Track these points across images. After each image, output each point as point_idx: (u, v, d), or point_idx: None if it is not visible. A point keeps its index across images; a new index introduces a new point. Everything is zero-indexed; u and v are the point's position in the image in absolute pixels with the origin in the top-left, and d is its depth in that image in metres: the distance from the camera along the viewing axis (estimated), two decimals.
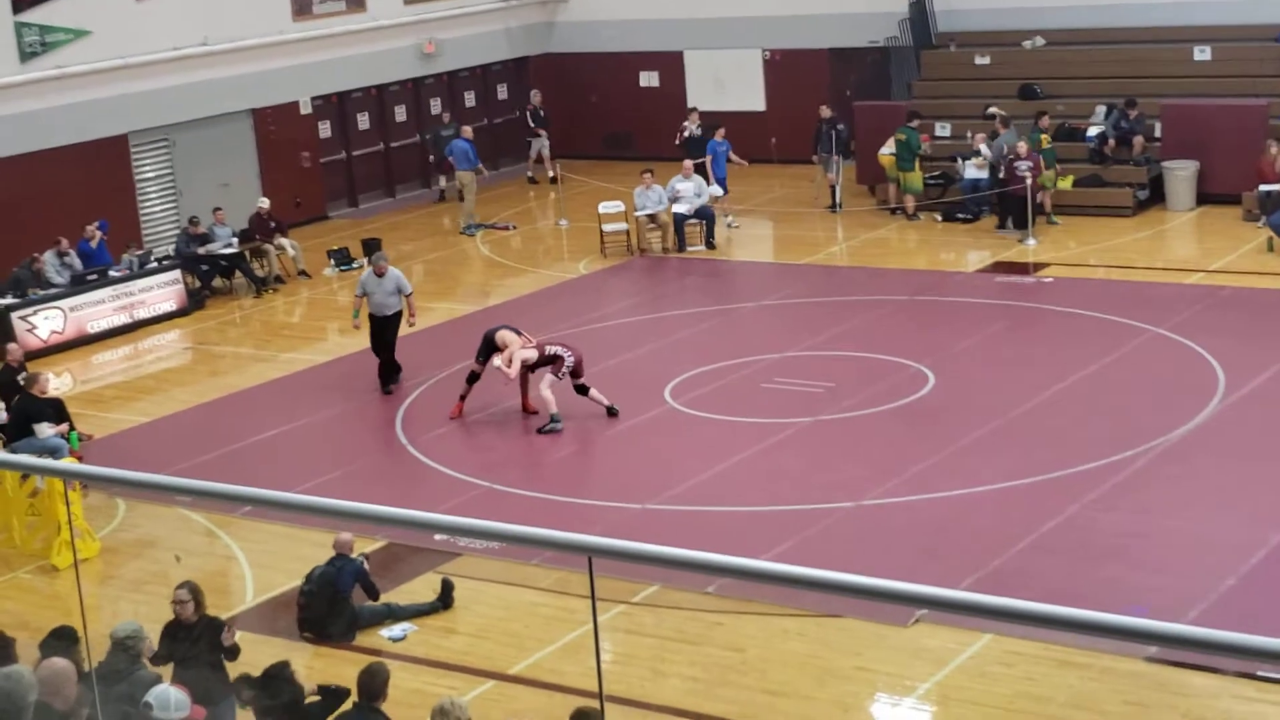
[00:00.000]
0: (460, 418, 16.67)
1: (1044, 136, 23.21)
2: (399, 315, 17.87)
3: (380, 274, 17.81)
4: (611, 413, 16.36)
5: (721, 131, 25.02)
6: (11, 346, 17.18)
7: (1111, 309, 18.76)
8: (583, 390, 16.31)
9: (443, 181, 27.48)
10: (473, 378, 16.69)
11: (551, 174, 28.19)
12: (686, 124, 26.17)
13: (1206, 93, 24.00)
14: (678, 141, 25.84)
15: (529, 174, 29.39)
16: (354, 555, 12.33)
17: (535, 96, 29.80)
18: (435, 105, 29.99)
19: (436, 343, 19.76)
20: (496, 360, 16.34)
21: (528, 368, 16.32)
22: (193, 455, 15.95)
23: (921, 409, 16.13)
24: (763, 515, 13.69)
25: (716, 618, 11.91)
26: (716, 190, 24.51)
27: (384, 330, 17.86)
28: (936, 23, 27.38)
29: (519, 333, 16.64)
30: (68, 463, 10.80)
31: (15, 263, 21.16)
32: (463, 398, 16.76)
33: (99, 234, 22.12)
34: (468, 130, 26.94)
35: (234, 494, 4.39)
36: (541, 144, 29.37)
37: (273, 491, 4.39)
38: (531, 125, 29.57)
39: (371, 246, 24.20)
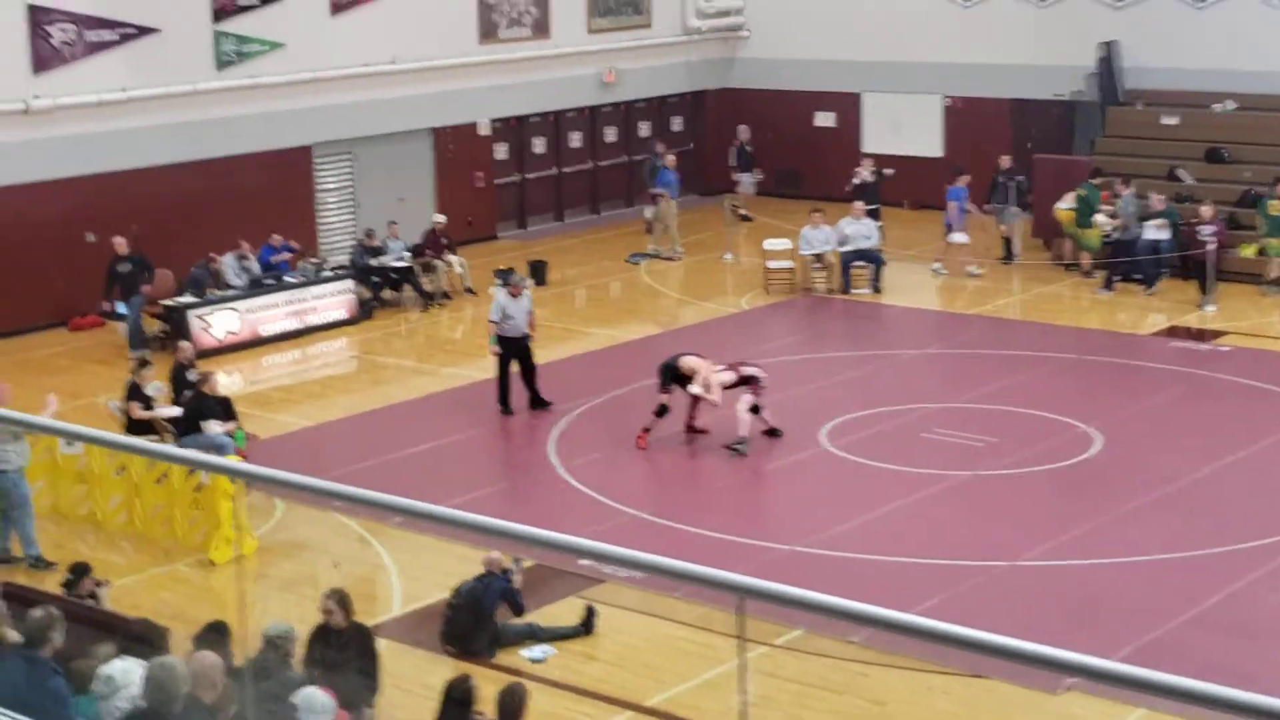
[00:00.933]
0: (645, 449, 16.62)
1: (1274, 202, 22.40)
2: (527, 337, 17.94)
3: (516, 295, 17.88)
4: (774, 434, 16.49)
5: (965, 178, 24.64)
6: (183, 345, 17.64)
7: None
8: (755, 409, 16.41)
9: (648, 211, 27.38)
10: (662, 411, 16.56)
11: (743, 212, 27.96)
12: (859, 169, 26.01)
13: None
14: (848, 188, 25.68)
15: (737, 209, 28.64)
16: (509, 563, 12.39)
17: (744, 132, 29.50)
18: (610, 133, 30.20)
19: (596, 368, 19.85)
20: (694, 387, 16.39)
21: (726, 388, 16.46)
22: (351, 462, 16.19)
23: (1085, 471, 15.75)
24: (913, 567, 13.46)
25: (860, 668, 11.72)
26: (960, 238, 24.23)
27: (522, 352, 17.88)
28: (1124, 79, 26.87)
29: (701, 357, 16.68)
30: (231, 460, 11.07)
31: (195, 263, 21.74)
32: (647, 429, 16.66)
33: (285, 254, 22.53)
34: (671, 159, 27.02)
35: (386, 503, 4.41)
36: (750, 180, 29.12)
37: (422, 503, 4.41)
38: (735, 164, 29.27)
39: (538, 268, 24.49)
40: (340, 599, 10.20)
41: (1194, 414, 17.68)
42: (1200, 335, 20.63)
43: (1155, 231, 23.22)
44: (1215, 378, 18.79)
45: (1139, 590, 12.93)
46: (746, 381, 16.45)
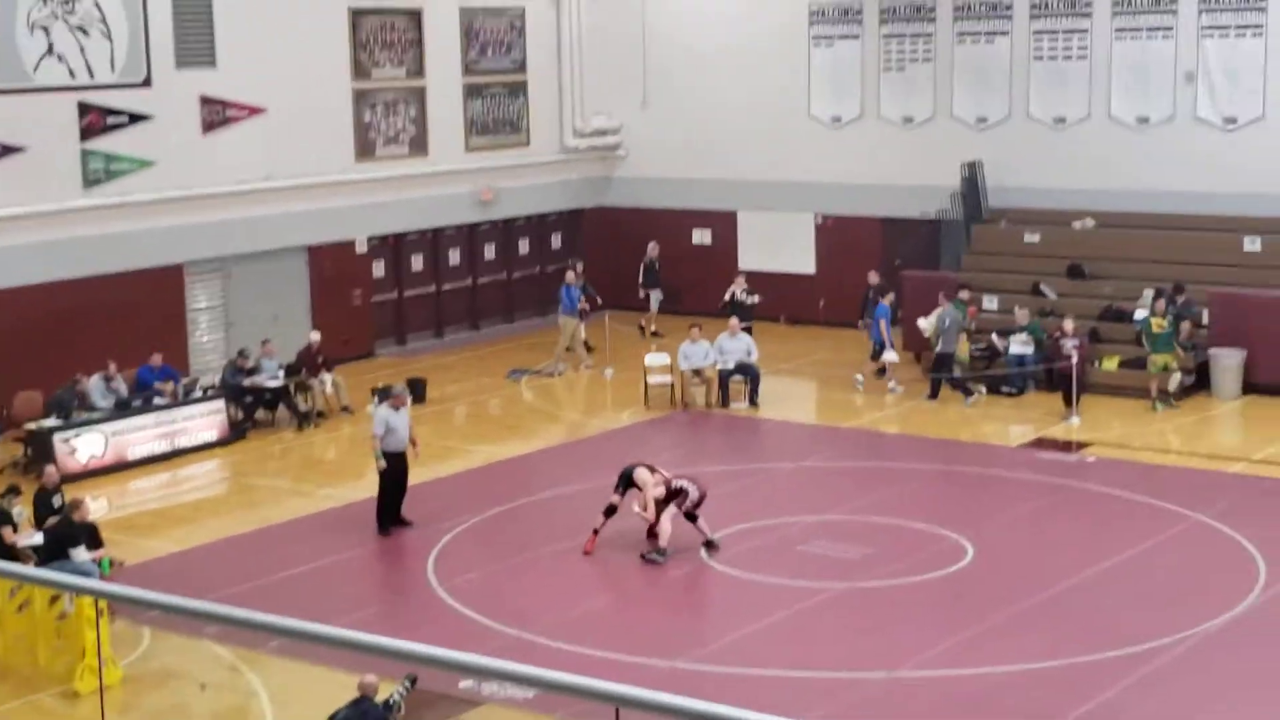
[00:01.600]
0: (592, 553, 16.73)
1: (1155, 320, 22.89)
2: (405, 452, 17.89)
3: (398, 407, 17.73)
4: (710, 546, 16.61)
5: (890, 296, 24.84)
6: (49, 469, 17.28)
7: (1153, 493, 18.60)
8: (691, 518, 16.67)
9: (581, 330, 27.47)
10: (610, 511, 16.84)
11: (654, 329, 28.12)
12: (733, 287, 26.45)
13: (1256, 283, 24.03)
14: (721, 304, 26.11)
15: (646, 326, 28.82)
16: (403, 679, 12.19)
17: (652, 249, 29.63)
18: (490, 250, 30.35)
19: (474, 486, 19.76)
20: (635, 506, 16.71)
21: (658, 503, 16.61)
22: (223, 586, 15.89)
23: (959, 581, 15.95)
24: (793, 680, 13.49)
25: None
26: (892, 356, 24.33)
27: (403, 468, 17.80)
28: (988, 198, 27.64)
29: (654, 470, 16.89)
30: (100, 583, 10.84)
31: (63, 384, 21.36)
32: (596, 531, 16.83)
33: (165, 383, 22.17)
34: (570, 276, 27.15)
35: (260, 622, 4.37)
36: (657, 297, 29.18)
37: (303, 622, 4.37)
38: (643, 280, 29.34)
39: (417, 385, 24.40)
40: None
41: (1062, 523, 18.01)
42: (1066, 446, 21.08)
43: (1021, 345, 23.79)
44: (1081, 488, 19.19)
45: (1014, 699, 13.07)
46: (675, 495, 16.61)
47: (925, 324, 24.18)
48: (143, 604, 4.87)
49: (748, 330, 24.61)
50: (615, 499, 16.85)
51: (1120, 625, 14.55)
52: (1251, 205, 25.10)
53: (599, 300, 27.67)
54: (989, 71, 27.64)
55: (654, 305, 29.14)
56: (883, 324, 24.49)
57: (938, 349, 23.68)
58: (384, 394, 24.02)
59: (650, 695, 3.55)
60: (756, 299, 26.38)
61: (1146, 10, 26.09)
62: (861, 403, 23.85)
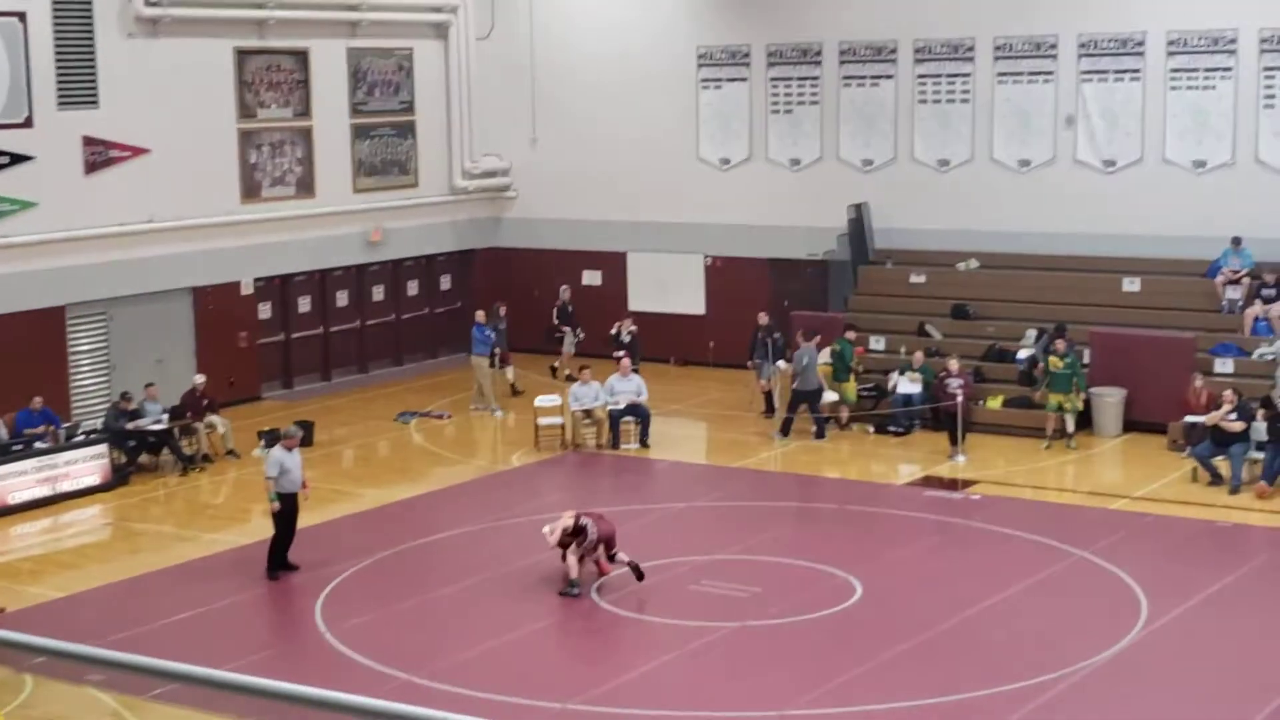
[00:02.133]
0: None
1: (1053, 360, 23.23)
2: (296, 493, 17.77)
3: (291, 448, 17.65)
4: (637, 573, 16.75)
5: (817, 338, 24.34)
6: None
7: (1037, 530, 18.90)
8: (610, 558, 16.89)
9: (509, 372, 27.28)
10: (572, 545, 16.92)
11: (568, 372, 27.61)
12: (620, 325, 26.64)
13: (1135, 322, 24.59)
14: (611, 341, 26.32)
15: (558, 369, 28.59)
16: None
17: (565, 292, 29.50)
18: (378, 292, 30.19)
19: (363, 529, 19.60)
20: (546, 527, 16.91)
21: (566, 533, 16.71)
22: (108, 632, 15.58)
23: (847, 619, 16.08)
24: None
25: None
26: (831, 396, 24.34)
27: (294, 510, 17.67)
28: (874, 239, 28.04)
29: (584, 514, 17.04)
30: None
31: None
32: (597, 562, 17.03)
33: (45, 428, 21.75)
34: (480, 315, 27.01)
35: (154, 668, 4.30)
36: (571, 340, 28.76)
37: (193, 666, 4.31)
38: (557, 321, 29.13)
39: (305, 428, 24.12)
40: None
41: (950, 561, 18.24)
42: (952, 484, 21.37)
43: (908, 385, 24.13)
44: (967, 525, 19.46)
45: None
46: (577, 532, 16.71)
47: (784, 364, 24.52)
48: (29, 649, 4.78)
49: (634, 370, 24.72)
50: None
51: (1006, 661, 14.75)
52: (1131, 246, 25.70)
53: (506, 356, 27.43)
54: (874, 115, 28.08)
55: (568, 347, 28.84)
56: (819, 364, 24.21)
57: (794, 387, 23.94)
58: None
59: None
60: (632, 330, 26.48)
61: (1028, 55, 26.68)
62: (753, 443, 24.00)
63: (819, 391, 24.08)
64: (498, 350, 26.67)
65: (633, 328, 27.00)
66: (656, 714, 13.67)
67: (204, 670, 4.36)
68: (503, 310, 27.82)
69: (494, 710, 13.69)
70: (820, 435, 23.89)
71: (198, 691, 13.61)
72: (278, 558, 17.62)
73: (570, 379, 26.99)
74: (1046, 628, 15.67)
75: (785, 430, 24.00)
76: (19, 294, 23.70)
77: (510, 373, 27.10)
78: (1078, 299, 25.42)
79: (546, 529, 16.93)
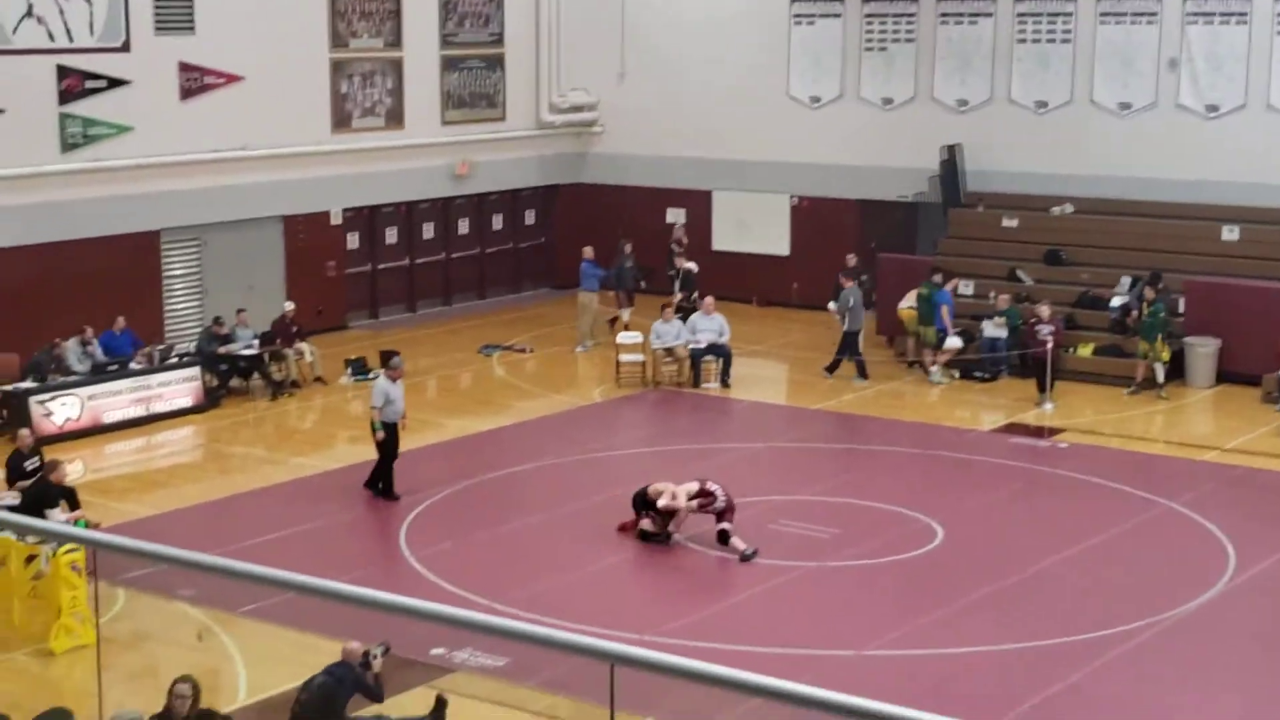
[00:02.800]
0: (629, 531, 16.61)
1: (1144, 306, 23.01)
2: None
3: (397, 379, 17.93)
4: (746, 558, 15.86)
5: (954, 281, 24.18)
6: (23, 432, 17.20)
7: (1124, 480, 18.72)
8: (723, 538, 16.03)
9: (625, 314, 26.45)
10: (644, 535, 16.43)
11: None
12: (681, 263, 26.49)
13: (1232, 272, 24.18)
14: (672, 273, 26.37)
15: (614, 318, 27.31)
16: (376, 646, 12.20)
17: (679, 229, 28.92)
18: (463, 225, 30.30)
19: (446, 459, 19.78)
20: (663, 501, 16.18)
21: (690, 496, 16.20)
22: (196, 551, 15.86)
23: (927, 563, 16.04)
24: (759, 656, 13.54)
25: None
26: (955, 342, 23.69)
27: (396, 438, 17.94)
28: (967, 182, 27.71)
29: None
30: (85, 530, 10.73)
31: (39, 348, 21.27)
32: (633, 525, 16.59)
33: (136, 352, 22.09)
34: (588, 251, 26.99)
35: (255, 574, 4.37)
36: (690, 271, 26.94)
37: (293, 574, 4.37)
38: (677, 251, 27.75)
39: (389, 358, 24.31)
40: (195, 686, 10.02)
41: (1033, 508, 18.12)
42: (1039, 432, 21.19)
43: (994, 329, 23.91)
44: (1053, 473, 19.30)
45: (980, 681, 13.16)
46: (704, 495, 16.18)
47: (833, 305, 24.46)
48: (132, 553, 4.87)
49: (690, 303, 24.68)
50: (645, 524, 16.40)
51: (1088, 610, 14.66)
52: (1231, 194, 25.24)
53: (642, 284, 27.00)
54: (971, 54, 27.69)
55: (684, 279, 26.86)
56: (944, 310, 23.77)
57: (845, 328, 23.86)
58: (358, 365, 24.12)
59: (647, 654, 3.58)
60: (953, 285, 24.78)
61: None
62: (835, 385, 23.91)
63: (858, 334, 23.99)
64: (625, 290, 26.25)
65: (690, 265, 26.79)
66: (734, 649, 13.73)
67: (301, 577, 4.42)
68: (628, 247, 27.34)
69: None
70: (863, 376, 23.79)
71: (286, 608, 13.89)
72: (385, 484, 17.90)
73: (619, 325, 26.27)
74: (1130, 577, 15.55)
75: (831, 368, 24.00)
76: (115, 218, 24.02)
77: (627, 314, 26.53)
78: (1174, 247, 25.02)
79: (665, 501, 16.16)
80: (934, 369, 23.78)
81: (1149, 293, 23.09)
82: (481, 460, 19.68)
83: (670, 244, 28.18)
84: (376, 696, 12.15)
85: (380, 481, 18.00)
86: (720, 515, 16.22)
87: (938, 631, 14.15)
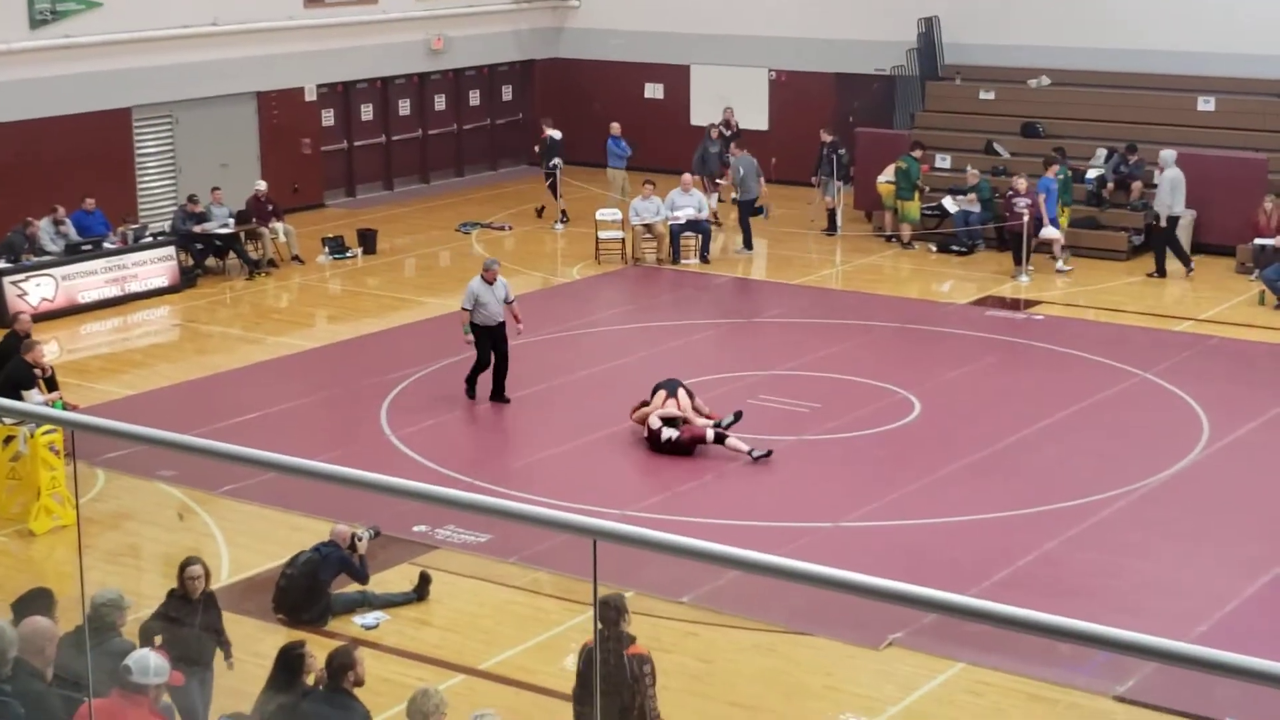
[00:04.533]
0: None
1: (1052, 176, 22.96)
2: (504, 324, 17.06)
3: (491, 281, 16.93)
4: (756, 457, 15.37)
5: (1054, 169, 22.99)
6: (23, 316, 16.98)
7: (1100, 351, 18.84)
8: (721, 440, 15.55)
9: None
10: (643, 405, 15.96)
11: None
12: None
13: (1208, 143, 24.13)
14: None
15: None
16: (362, 528, 12.32)
17: (728, 111, 27.77)
18: (439, 101, 30.00)
19: (425, 336, 19.79)
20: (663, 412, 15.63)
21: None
22: (176, 430, 15.90)
23: (905, 436, 16.18)
24: (738, 529, 13.71)
25: (689, 627, 11.93)
26: (1052, 232, 22.59)
27: (497, 340, 17.00)
28: (944, 55, 27.51)
29: (673, 394, 15.86)
30: (63, 412, 10.71)
31: (10, 227, 21.12)
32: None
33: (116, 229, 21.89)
34: (615, 127, 26.62)
35: (230, 453, 4.39)
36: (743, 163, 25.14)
37: (275, 454, 4.41)
38: (727, 136, 26.70)
39: (367, 236, 24.27)
40: (205, 567, 10.15)
41: (1009, 381, 18.25)
42: (1014, 304, 21.27)
43: (955, 205, 23.91)
44: (1029, 345, 19.42)
45: (956, 550, 13.35)
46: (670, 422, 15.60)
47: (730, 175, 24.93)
48: (110, 434, 4.88)
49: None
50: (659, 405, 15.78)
51: (1063, 480, 14.84)
52: (1206, 65, 25.10)
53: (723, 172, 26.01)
54: None
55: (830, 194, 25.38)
56: (1041, 199, 22.55)
57: (734, 197, 24.21)
58: (335, 243, 24.00)
59: (627, 529, 3.62)
60: (1053, 170, 23.16)
61: None
62: (815, 260, 23.93)
63: (753, 202, 24.21)
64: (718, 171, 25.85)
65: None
66: (713, 523, 13.89)
67: (281, 456, 4.45)
68: (733, 119, 26.66)
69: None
70: (748, 246, 24.11)
71: (266, 488, 13.98)
72: (495, 387, 17.04)
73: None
74: (1105, 447, 15.72)
75: (748, 243, 24.16)
76: (85, 95, 23.72)
77: (714, 199, 25.66)
78: (1150, 119, 24.93)
79: (662, 414, 15.58)
80: (1059, 262, 22.63)
81: (1053, 170, 22.81)
82: (461, 338, 19.66)
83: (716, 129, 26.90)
84: (361, 577, 12.30)
85: (496, 389, 17.03)
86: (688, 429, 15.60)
87: (914, 502, 14.32)
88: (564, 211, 26.19)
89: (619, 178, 26.15)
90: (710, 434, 15.52)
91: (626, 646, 9.28)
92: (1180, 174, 22.33)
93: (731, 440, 15.52)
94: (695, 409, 15.85)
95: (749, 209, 24.26)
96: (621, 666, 9.22)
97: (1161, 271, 22.43)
